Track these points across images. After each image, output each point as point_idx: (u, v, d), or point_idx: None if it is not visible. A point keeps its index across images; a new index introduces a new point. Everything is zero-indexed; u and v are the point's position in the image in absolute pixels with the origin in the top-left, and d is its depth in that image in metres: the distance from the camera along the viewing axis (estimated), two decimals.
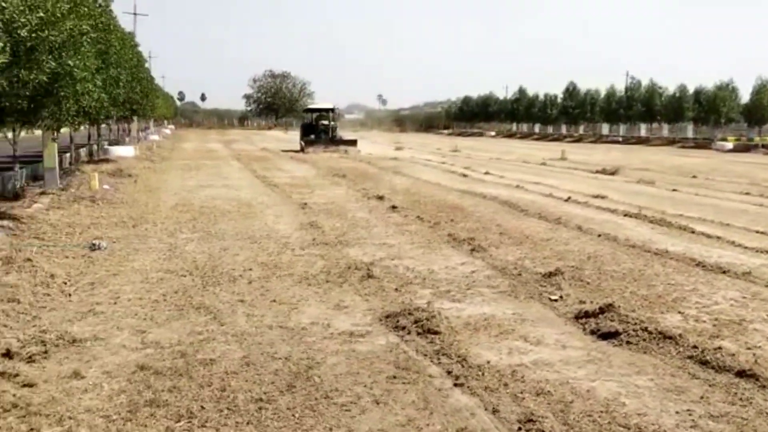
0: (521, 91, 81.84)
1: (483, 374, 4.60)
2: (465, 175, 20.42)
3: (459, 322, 5.81)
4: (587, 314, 6.02)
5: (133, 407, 3.89)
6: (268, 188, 16.30)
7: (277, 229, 10.38)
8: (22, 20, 7.32)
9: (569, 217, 11.66)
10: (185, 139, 51.41)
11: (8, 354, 4.62)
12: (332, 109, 35.87)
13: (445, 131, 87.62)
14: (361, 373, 4.60)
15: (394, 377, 4.53)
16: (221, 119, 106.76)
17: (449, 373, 4.61)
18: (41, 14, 8.03)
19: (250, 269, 7.63)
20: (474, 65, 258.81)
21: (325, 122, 34.17)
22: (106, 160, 22.17)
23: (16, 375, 4.23)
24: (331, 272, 7.50)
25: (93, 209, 11.70)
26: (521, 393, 4.31)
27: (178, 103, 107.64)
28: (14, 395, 3.94)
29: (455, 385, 4.43)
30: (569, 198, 14.46)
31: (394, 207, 12.53)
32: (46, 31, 8.23)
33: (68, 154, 19.08)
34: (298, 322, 5.72)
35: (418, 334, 5.39)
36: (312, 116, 36.10)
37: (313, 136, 33.25)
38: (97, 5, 13.45)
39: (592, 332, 5.65)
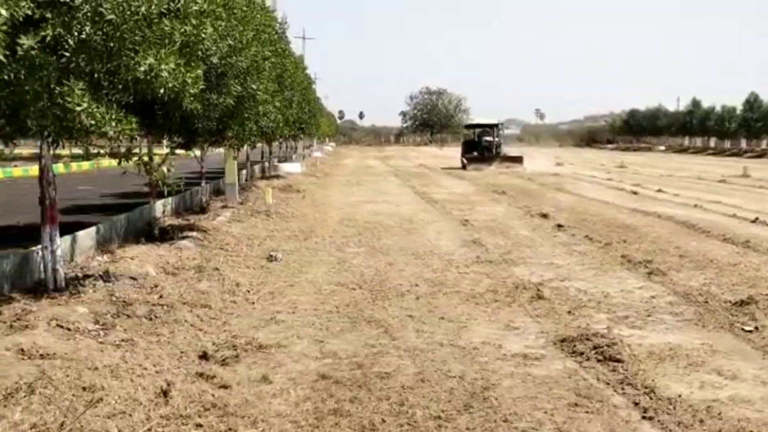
0: (695, 103, 76.31)
1: (674, 408, 4.27)
2: (635, 193, 19.31)
3: (642, 350, 5.45)
4: None
5: (318, 415, 4.05)
6: (427, 204, 16.47)
7: (439, 245, 10.42)
8: (214, 48, 7.96)
9: (759, 240, 10.60)
10: (345, 155, 53.56)
11: (205, 356, 5.01)
12: (496, 125, 34.28)
13: (609, 146, 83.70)
14: (539, 397, 4.45)
15: (576, 405, 4.33)
16: (378, 136, 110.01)
17: (636, 404, 4.33)
18: (230, 42, 8.71)
19: (417, 285, 7.71)
20: (640, 76, 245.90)
21: (489, 138, 32.73)
22: (277, 176, 23.58)
23: (213, 377, 4.56)
24: (498, 291, 7.38)
25: (268, 222, 12.44)
26: None
27: (338, 121, 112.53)
28: (213, 395, 4.24)
29: (644, 417, 4.14)
30: (757, 219, 13.15)
31: (559, 225, 12.13)
32: (234, 58, 8.92)
33: (245, 171, 20.54)
34: (469, 340, 5.67)
35: (598, 361, 5.12)
36: (474, 132, 35.00)
37: (475, 153, 32.26)
38: (275, 32, 14.41)
39: None
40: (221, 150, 15.22)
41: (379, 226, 12.38)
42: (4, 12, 3.34)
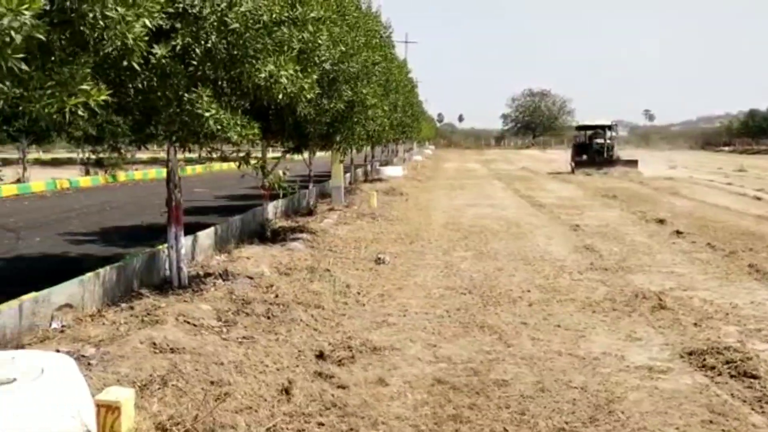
0: None
1: None
2: (759, 198, 18.03)
3: None
4: None
5: (437, 420, 4.01)
6: (534, 208, 16.09)
7: (549, 251, 10.13)
8: (327, 54, 8.11)
9: None
10: (445, 159, 53.36)
11: (321, 356, 5.10)
12: (609, 126, 31.78)
13: (726, 148, 78.78)
14: (669, 413, 4.20)
15: (711, 422, 4.06)
16: (477, 139, 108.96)
17: None
18: (342, 48, 8.87)
19: (529, 291, 7.52)
20: (760, 74, 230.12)
21: (601, 140, 30.79)
22: (379, 180, 23.83)
23: (331, 376, 4.63)
24: (616, 300, 7.07)
25: (373, 225, 12.56)
26: None
27: (438, 124, 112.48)
28: (332, 395, 4.30)
29: None
30: None
31: (678, 232, 11.49)
32: (346, 63, 9.08)
33: (348, 174, 20.90)
34: (588, 350, 5.45)
35: (731, 376, 4.79)
36: (585, 134, 32.79)
37: (585, 157, 30.44)
38: (383, 37, 14.58)
39: None
40: (323, 153, 15.54)
41: (486, 230, 12.21)
42: (148, 23, 3.53)
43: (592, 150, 30.65)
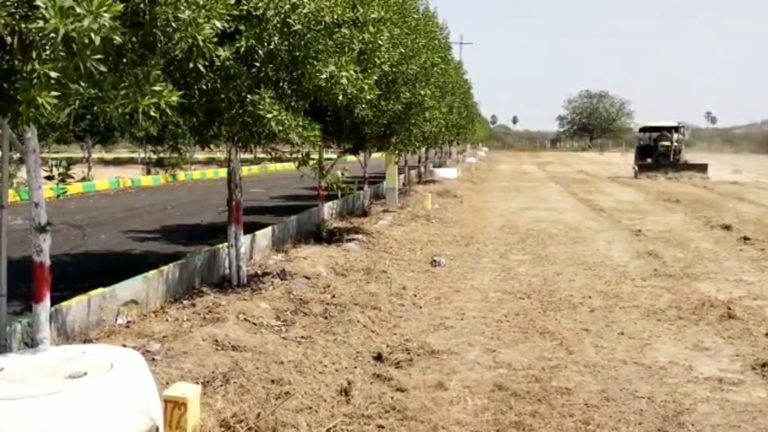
0: None
1: None
2: None
3: None
4: None
5: (499, 426, 3.93)
6: (593, 212, 15.73)
7: (610, 256, 9.88)
8: (387, 56, 8.10)
9: None
10: (499, 161, 52.81)
11: (380, 357, 5.08)
12: (676, 128, 30.02)
13: None
14: (743, 427, 4.02)
15: None
16: (532, 141, 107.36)
17: None
18: (401, 50, 8.85)
19: (590, 297, 7.34)
20: None
21: (666, 143, 29.06)
22: (433, 181, 23.71)
23: (390, 379, 4.60)
24: (682, 308, 6.83)
25: (428, 227, 12.50)
26: None
27: (491, 126, 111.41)
28: (391, 398, 4.28)
29: None
30: None
31: (745, 238, 11.04)
32: (405, 65, 9.06)
33: (402, 175, 20.87)
34: (654, 360, 5.27)
35: None
36: (650, 136, 31.07)
37: (649, 160, 28.89)
38: (441, 39, 14.51)
39: None
40: (377, 155, 15.54)
41: (543, 233, 12.00)
42: (218, 24, 3.58)
43: (658, 153, 29.10)
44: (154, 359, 4.29)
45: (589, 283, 8.00)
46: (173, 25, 3.29)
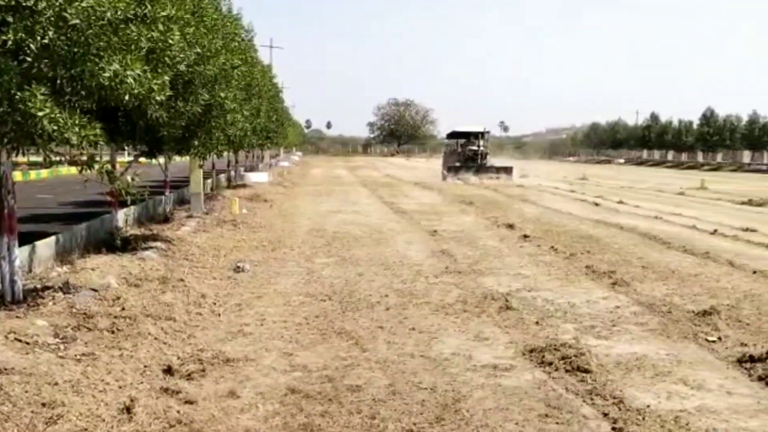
0: (653, 117, 78.51)
1: (643, 419, 4.30)
2: (597, 204, 19.63)
3: (609, 360, 5.50)
4: (752, 358, 5.53)
5: (288, 430, 3.97)
6: (396, 215, 16.47)
7: (408, 255, 10.41)
8: (182, 56, 7.83)
9: (718, 252, 10.84)
10: (313, 165, 53.38)
11: (169, 371, 4.88)
12: (482, 133, 32.02)
13: (571, 158, 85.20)
14: (510, 409, 4.44)
15: (546, 416, 4.33)
16: (345, 146, 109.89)
17: (605, 415, 4.35)
18: (198, 50, 8.59)
19: (387, 296, 7.67)
20: (601, 90, 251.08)
21: (474, 148, 30.89)
22: (243, 186, 23.31)
23: (178, 392, 4.44)
24: (467, 302, 7.38)
25: (234, 233, 12.27)
26: None
27: (305, 130, 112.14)
28: (178, 411, 4.12)
29: (614, 429, 4.16)
30: (715, 231, 13.48)
31: (525, 236, 12.23)
32: (202, 66, 8.81)
33: (210, 180, 20.27)
34: (440, 352, 5.65)
35: (567, 371, 5.15)
36: (457, 142, 32.82)
37: (458, 164, 30.27)
38: (244, 40, 14.30)
39: (760, 378, 5.15)
40: (185, 158, 14.96)
41: (349, 236, 12.32)
42: None
43: (466, 157, 30.69)
44: None
45: (387, 282, 8.35)
46: None
